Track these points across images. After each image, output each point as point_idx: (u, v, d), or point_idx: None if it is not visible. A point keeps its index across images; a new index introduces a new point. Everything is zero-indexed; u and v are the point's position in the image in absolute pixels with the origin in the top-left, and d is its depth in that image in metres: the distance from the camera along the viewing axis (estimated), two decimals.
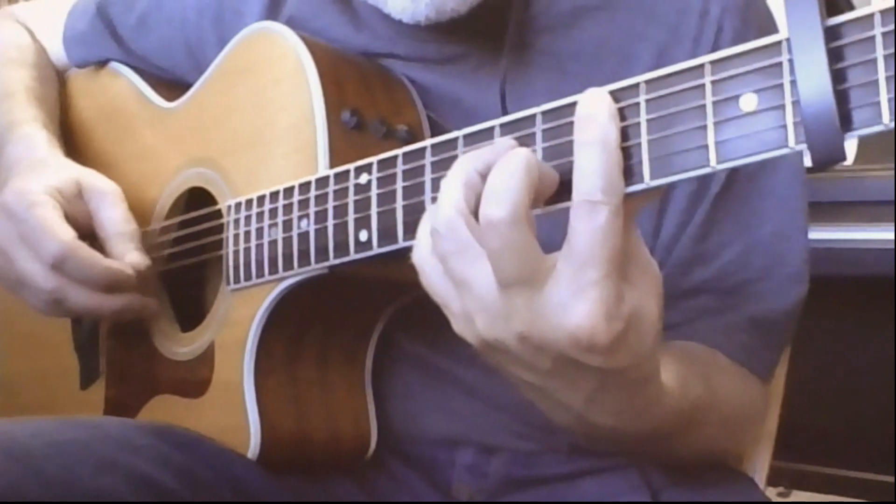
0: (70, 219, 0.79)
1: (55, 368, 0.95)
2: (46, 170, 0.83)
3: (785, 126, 0.46)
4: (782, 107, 0.46)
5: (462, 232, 0.51)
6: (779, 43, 0.47)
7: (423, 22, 0.72)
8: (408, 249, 0.66)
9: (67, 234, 0.77)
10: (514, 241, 0.48)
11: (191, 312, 0.86)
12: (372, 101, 0.75)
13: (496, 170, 0.50)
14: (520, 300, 0.50)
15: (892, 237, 1.33)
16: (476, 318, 0.52)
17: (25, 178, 0.82)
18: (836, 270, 1.30)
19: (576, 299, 0.48)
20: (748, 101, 0.47)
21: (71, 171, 0.83)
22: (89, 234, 0.80)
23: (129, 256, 0.79)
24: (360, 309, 0.78)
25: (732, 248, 0.76)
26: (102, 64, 0.98)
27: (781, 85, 0.46)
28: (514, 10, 0.75)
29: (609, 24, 0.77)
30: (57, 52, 1.02)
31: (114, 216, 0.81)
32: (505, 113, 0.75)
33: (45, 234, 0.77)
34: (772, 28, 0.80)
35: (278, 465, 0.75)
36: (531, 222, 0.49)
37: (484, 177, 0.51)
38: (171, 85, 0.92)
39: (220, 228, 0.79)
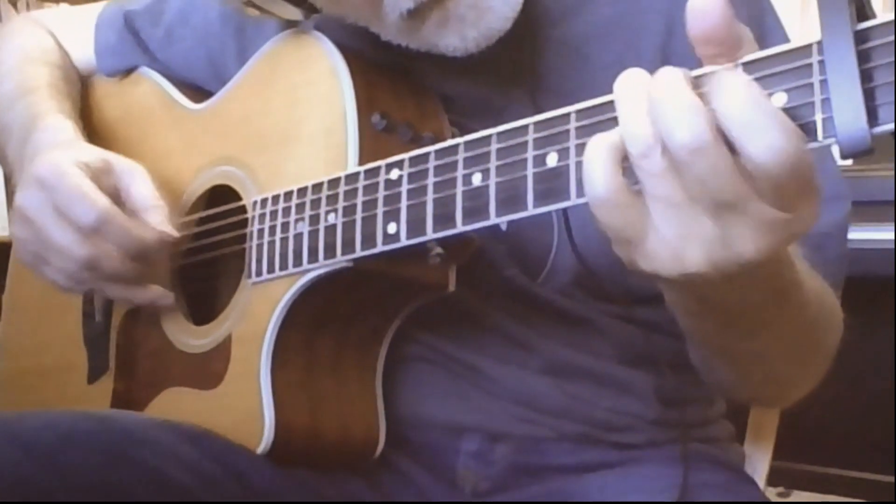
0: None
1: (62, 363, 0.96)
2: (74, 148, 0.85)
3: (814, 121, 0.49)
4: (812, 104, 0.49)
5: (669, 175, 0.49)
6: (809, 46, 0.50)
7: (475, 51, 0.74)
8: (429, 247, 0.69)
9: (103, 199, 0.79)
10: (718, 162, 0.47)
11: (201, 308, 0.87)
12: (400, 107, 0.78)
13: (666, 100, 0.49)
14: (739, 224, 0.49)
15: (892, 237, 1.34)
16: (688, 248, 0.50)
17: (55, 152, 0.83)
18: None
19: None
20: (778, 99, 0.50)
21: (99, 151, 0.86)
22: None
23: (161, 228, 0.81)
24: (377, 310, 0.79)
25: None
26: (131, 69, 1.00)
27: (812, 84, 0.49)
28: (524, 8, 0.77)
29: (615, 3, 0.81)
30: (79, 58, 1.05)
31: (144, 191, 0.83)
32: (534, 104, 0.78)
33: (82, 201, 0.78)
34: None
35: (288, 459, 0.75)
36: None
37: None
38: (200, 92, 0.94)
39: (242, 224, 0.80)
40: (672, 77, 0.49)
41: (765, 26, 0.81)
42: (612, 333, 0.82)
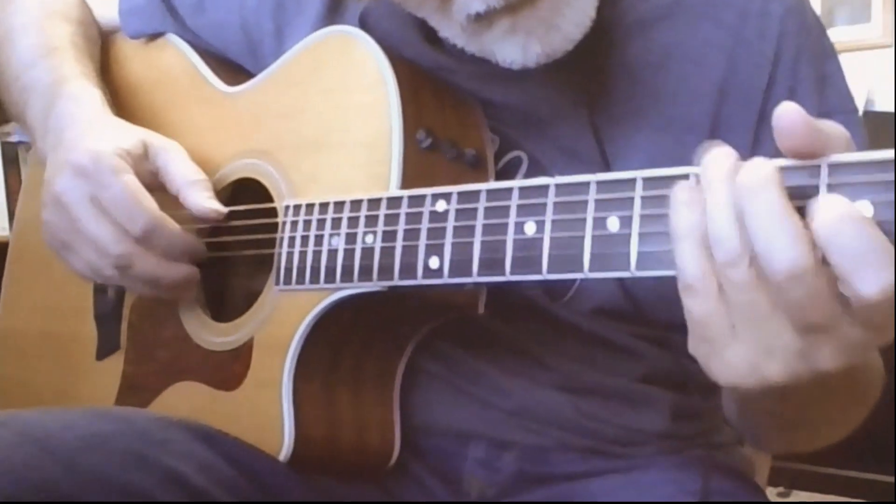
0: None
1: (69, 334, 0.94)
2: (109, 130, 0.83)
3: None
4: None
5: (755, 287, 0.48)
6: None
7: (533, 66, 0.72)
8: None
9: (154, 205, 0.77)
10: (817, 287, 0.46)
11: (214, 300, 0.86)
12: (444, 123, 0.75)
13: (764, 217, 0.46)
14: (824, 343, 0.48)
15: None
16: (769, 361, 0.49)
17: (91, 138, 0.80)
18: None
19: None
20: (864, 208, 0.48)
21: (135, 132, 0.83)
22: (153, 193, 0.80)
23: (207, 203, 0.80)
24: (402, 326, 0.79)
25: None
26: (157, 34, 0.96)
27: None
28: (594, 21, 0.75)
29: (676, 32, 0.79)
30: (102, 14, 1.00)
31: (185, 168, 0.81)
32: (593, 123, 0.77)
33: (135, 206, 0.76)
34: (823, 33, 0.81)
35: (304, 468, 0.75)
36: None
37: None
38: (230, 67, 0.91)
39: (270, 227, 0.78)
40: (770, 197, 0.47)
41: (826, 69, 0.79)
42: (637, 355, 0.81)
